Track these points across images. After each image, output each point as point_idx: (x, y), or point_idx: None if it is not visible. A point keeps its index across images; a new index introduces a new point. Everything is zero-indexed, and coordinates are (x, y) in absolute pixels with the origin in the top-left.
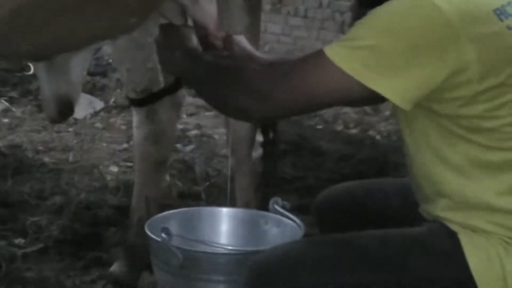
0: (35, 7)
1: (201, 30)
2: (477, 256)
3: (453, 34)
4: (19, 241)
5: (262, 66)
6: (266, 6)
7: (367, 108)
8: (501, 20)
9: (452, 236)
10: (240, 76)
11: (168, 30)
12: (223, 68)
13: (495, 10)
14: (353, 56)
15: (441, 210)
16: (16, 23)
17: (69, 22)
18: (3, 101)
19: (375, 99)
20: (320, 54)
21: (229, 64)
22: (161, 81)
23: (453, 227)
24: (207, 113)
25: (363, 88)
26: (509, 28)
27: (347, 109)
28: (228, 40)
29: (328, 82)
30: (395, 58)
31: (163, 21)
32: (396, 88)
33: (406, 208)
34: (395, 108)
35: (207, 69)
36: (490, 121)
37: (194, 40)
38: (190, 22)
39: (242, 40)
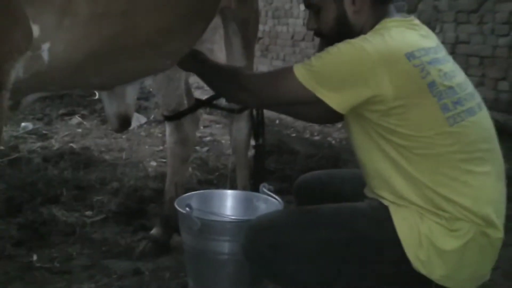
0: (102, 54)
1: None
2: (401, 224)
3: (374, 68)
4: (88, 213)
5: (254, 74)
6: (257, 52)
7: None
8: (409, 61)
9: (385, 209)
10: (238, 79)
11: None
12: (226, 71)
13: (405, 54)
14: (309, 75)
15: (376, 189)
16: (88, 64)
17: (127, 63)
18: (77, 117)
19: (332, 118)
20: (290, 69)
21: (230, 69)
22: (185, 104)
23: (385, 202)
24: (217, 125)
25: (313, 96)
26: (415, 66)
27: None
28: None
29: (292, 89)
30: (335, 80)
31: None
32: (334, 99)
33: (356, 189)
34: (346, 117)
35: (214, 72)
36: (402, 127)
37: (204, 55)
38: None
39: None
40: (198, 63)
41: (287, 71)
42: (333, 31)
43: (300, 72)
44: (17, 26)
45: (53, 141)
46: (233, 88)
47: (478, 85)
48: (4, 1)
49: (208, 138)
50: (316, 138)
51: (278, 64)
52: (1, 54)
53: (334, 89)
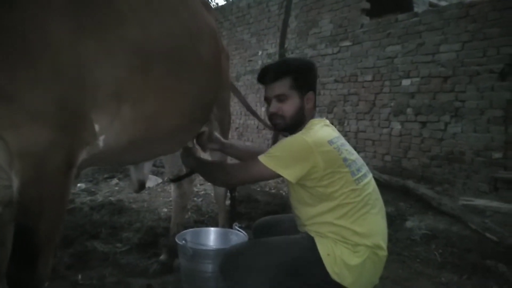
0: (136, 143)
1: (202, 137)
2: (322, 248)
3: (311, 151)
4: (118, 245)
5: (231, 165)
6: (235, 137)
7: (279, 180)
8: (331, 145)
9: (312, 239)
10: (220, 169)
11: (186, 148)
12: (213, 164)
13: (328, 141)
14: (270, 160)
15: (306, 226)
16: (127, 149)
17: (151, 148)
18: (115, 179)
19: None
20: (257, 160)
21: (215, 163)
22: (184, 171)
23: (312, 234)
24: (208, 184)
25: (275, 173)
26: (334, 148)
27: (271, 181)
28: (216, 138)
29: (260, 172)
30: (286, 162)
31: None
32: (289, 173)
33: (293, 226)
34: (289, 187)
35: (204, 165)
36: (329, 188)
37: (198, 153)
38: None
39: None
40: (193, 159)
41: (256, 161)
42: (293, 117)
43: (263, 159)
44: (87, 127)
45: (98, 195)
46: (218, 175)
47: (372, 158)
48: (80, 112)
49: (202, 192)
50: (273, 191)
51: (249, 144)
52: (75, 145)
53: (288, 167)
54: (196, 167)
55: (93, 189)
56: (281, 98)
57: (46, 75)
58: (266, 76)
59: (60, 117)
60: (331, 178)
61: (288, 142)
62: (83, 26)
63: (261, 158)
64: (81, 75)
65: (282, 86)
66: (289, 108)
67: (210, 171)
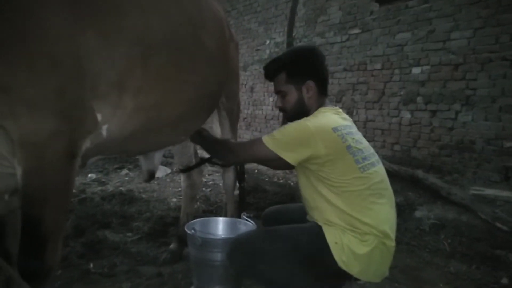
0: (140, 132)
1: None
2: (330, 237)
3: (313, 137)
4: (129, 234)
5: (236, 143)
6: (243, 127)
7: (287, 171)
8: (334, 132)
9: (320, 227)
10: (226, 146)
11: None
12: (218, 142)
13: (332, 128)
14: (273, 142)
15: (313, 210)
16: (131, 138)
17: (156, 138)
18: (126, 169)
19: (289, 166)
20: (260, 139)
21: (221, 140)
22: (193, 161)
23: (320, 223)
24: (217, 174)
25: (276, 155)
26: (338, 135)
27: (279, 171)
28: None
29: (262, 152)
30: (287, 145)
31: None
32: (289, 156)
33: (302, 216)
34: (297, 168)
35: (210, 142)
36: (332, 174)
37: (204, 131)
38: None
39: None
40: (201, 137)
41: (259, 141)
42: (294, 109)
43: (266, 140)
44: (88, 116)
45: (108, 186)
46: (223, 152)
47: (381, 147)
48: (80, 101)
49: (210, 182)
50: (281, 181)
51: (257, 134)
52: (78, 135)
53: (289, 150)
54: (202, 143)
55: (103, 180)
56: (281, 94)
57: (44, 65)
58: (266, 75)
59: (59, 106)
60: (333, 165)
61: (291, 126)
62: (82, 16)
63: (265, 139)
64: (80, 64)
65: (278, 83)
66: (288, 102)
67: (215, 148)
